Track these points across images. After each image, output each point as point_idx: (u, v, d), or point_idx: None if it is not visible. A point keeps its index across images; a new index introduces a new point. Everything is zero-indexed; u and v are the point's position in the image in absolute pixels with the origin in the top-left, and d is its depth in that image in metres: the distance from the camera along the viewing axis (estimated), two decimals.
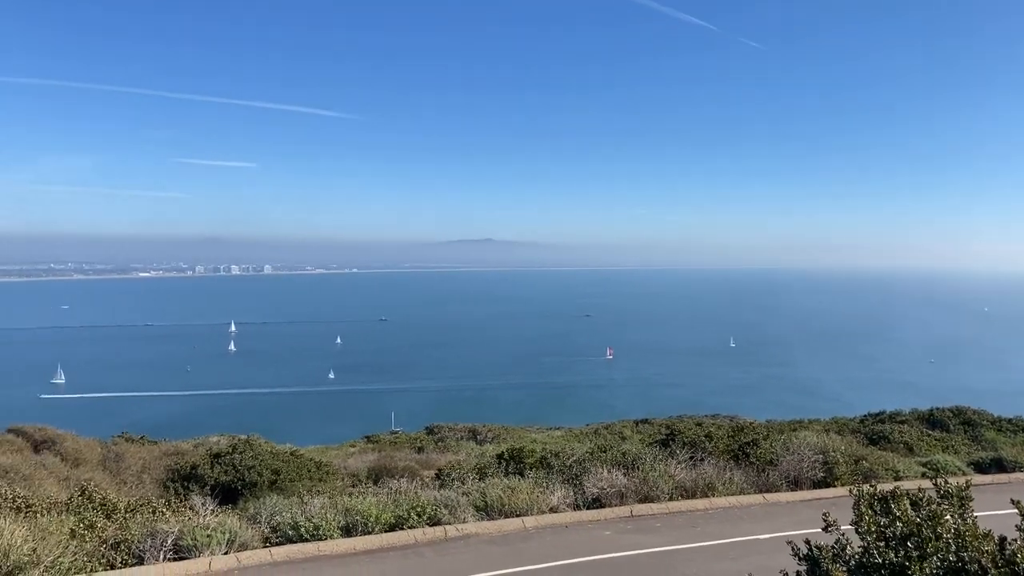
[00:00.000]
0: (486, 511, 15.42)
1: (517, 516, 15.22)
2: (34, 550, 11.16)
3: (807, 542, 7.76)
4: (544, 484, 16.74)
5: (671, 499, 16.84)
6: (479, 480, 17.90)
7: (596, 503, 16.51)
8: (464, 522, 14.69)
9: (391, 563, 12.60)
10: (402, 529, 14.13)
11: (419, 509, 14.59)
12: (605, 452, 20.31)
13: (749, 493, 17.84)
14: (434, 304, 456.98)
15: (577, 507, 16.30)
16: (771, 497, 17.66)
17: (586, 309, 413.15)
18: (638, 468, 17.76)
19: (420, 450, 38.20)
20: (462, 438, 44.65)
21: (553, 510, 15.86)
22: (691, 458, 18.78)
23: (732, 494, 17.49)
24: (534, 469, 18.97)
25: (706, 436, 21.00)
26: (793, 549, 7.79)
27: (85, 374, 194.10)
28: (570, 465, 18.97)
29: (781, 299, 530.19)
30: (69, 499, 14.85)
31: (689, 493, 17.26)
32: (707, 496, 17.20)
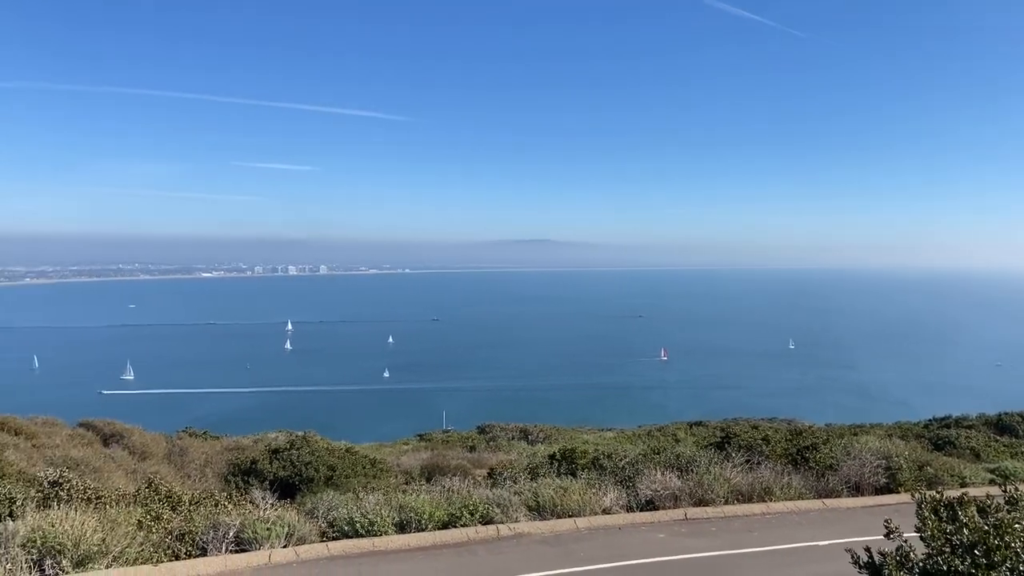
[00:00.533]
0: (538, 511, 15.43)
1: (569, 517, 15.19)
2: (103, 540, 11.62)
3: (867, 549, 7.57)
4: (597, 485, 16.66)
5: (727, 503, 16.57)
6: (531, 480, 17.92)
7: (649, 505, 16.36)
8: (516, 521, 14.73)
9: (445, 560, 12.72)
10: (455, 527, 14.25)
11: (472, 508, 14.69)
12: (659, 454, 20.10)
13: (808, 498, 17.43)
14: (486, 304, 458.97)
15: (630, 509, 16.17)
16: (831, 503, 17.23)
17: (639, 310, 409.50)
18: (693, 471, 17.52)
19: (472, 449, 38.48)
20: (513, 438, 44.82)
21: (606, 511, 15.77)
22: (747, 462, 18.44)
23: (790, 499, 17.12)
24: (586, 470, 18.90)
25: (763, 439, 20.59)
26: (853, 556, 7.61)
27: (151, 371, 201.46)
28: (623, 467, 18.83)
29: (840, 300, 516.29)
30: (137, 491, 15.41)
31: (745, 497, 16.96)
32: (764, 501, 16.87)
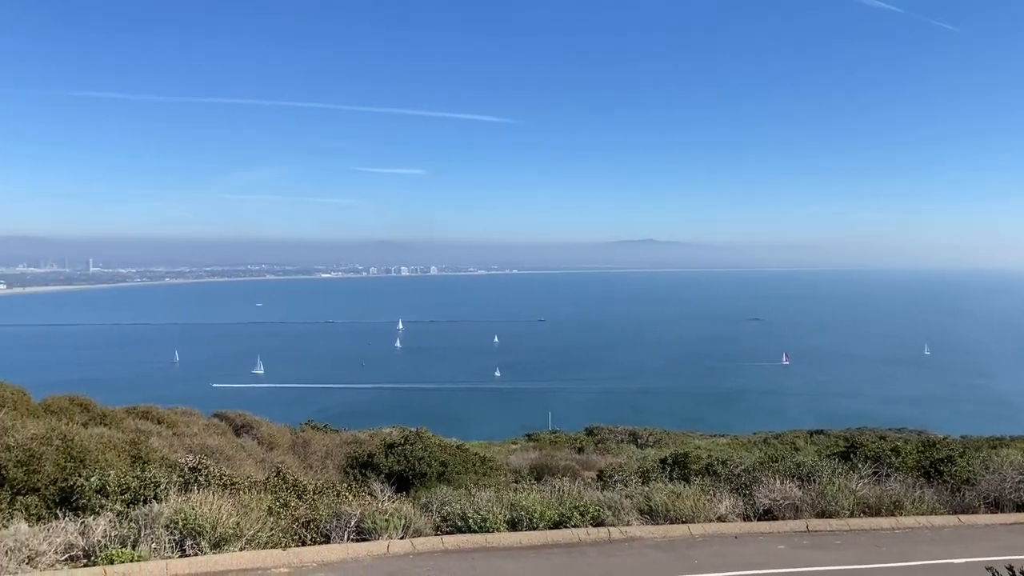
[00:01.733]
0: (650, 515, 15.19)
1: (683, 523, 14.87)
2: (238, 524, 12.37)
3: (1010, 568, 7.01)
4: (711, 492, 16.23)
5: (852, 516, 15.74)
6: (642, 484, 17.67)
7: (767, 515, 15.77)
8: (628, 525, 14.57)
9: (556, 559, 12.75)
10: (566, 527, 14.25)
11: (582, 508, 14.64)
12: (776, 462, 19.36)
13: (941, 513, 16.30)
14: (593, 305, 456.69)
15: (747, 518, 15.64)
16: (967, 519, 16.04)
17: (754, 312, 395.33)
18: (814, 481, 16.76)
19: (580, 451, 38.41)
20: (622, 440, 44.40)
21: (721, 519, 15.34)
22: (875, 473, 17.45)
23: (922, 513, 16.06)
24: (699, 476, 18.46)
25: (892, 450, 19.43)
26: (994, 574, 7.06)
27: (277, 366, 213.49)
28: (738, 474, 18.27)
29: (982, 302, 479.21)
30: (266, 479, 16.32)
31: (873, 510, 16.05)
32: (893, 515, 15.91)
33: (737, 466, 19.15)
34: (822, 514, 15.68)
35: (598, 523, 14.53)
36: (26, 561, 11.37)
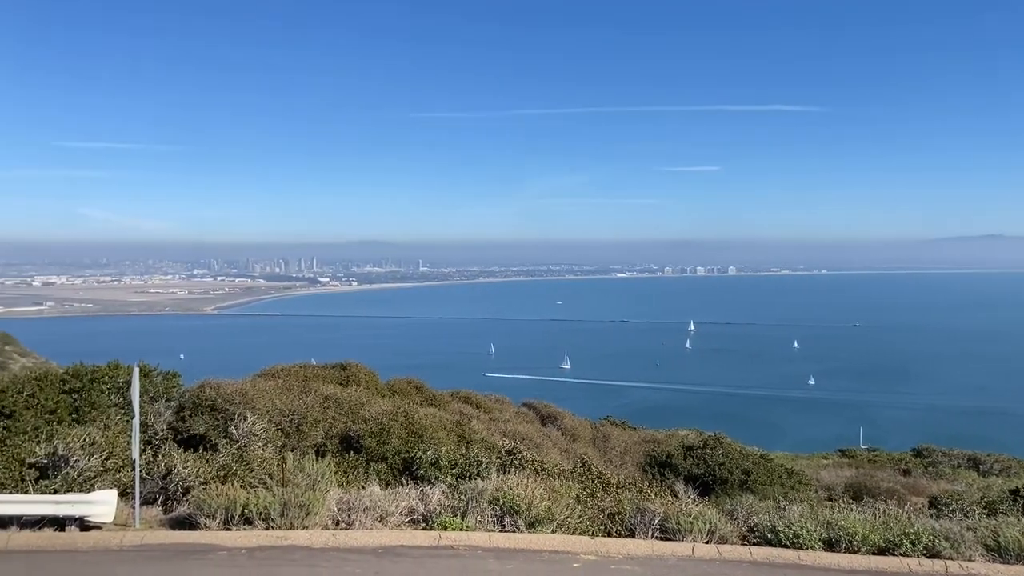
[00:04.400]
0: (998, 552, 13.07)
1: None
2: (549, 508, 13.21)
3: None
4: None
5: None
6: (987, 516, 15.28)
7: None
8: (970, 560, 12.69)
9: None
10: (892, 555, 12.86)
11: (913, 536, 13.07)
12: None
13: None
14: (921, 310, 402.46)
15: None
16: None
17: None
18: None
19: (906, 472, 34.32)
20: (959, 465, 38.68)
21: None
22: None
23: None
24: None
25: None
26: None
27: (575, 360, 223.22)
28: None
29: None
30: (573, 468, 17.19)
31: None
32: None
33: None
34: None
35: (932, 554, 12.88)
36: (379, 519, 13.37)
